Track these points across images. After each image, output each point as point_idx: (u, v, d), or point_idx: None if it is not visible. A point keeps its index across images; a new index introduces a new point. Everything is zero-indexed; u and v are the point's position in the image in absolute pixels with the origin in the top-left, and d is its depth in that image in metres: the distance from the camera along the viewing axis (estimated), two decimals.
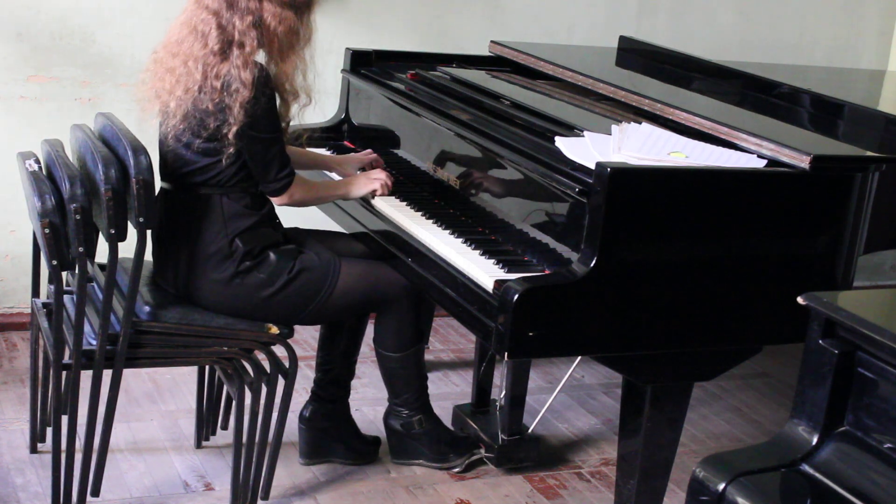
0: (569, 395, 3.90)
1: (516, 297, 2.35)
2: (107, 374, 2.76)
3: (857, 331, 1.92)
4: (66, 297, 2.82)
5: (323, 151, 3.48)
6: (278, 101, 2.84)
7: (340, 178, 3.26)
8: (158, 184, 2.90)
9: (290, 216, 3.20)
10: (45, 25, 3.86)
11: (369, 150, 3.34)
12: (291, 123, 2.96)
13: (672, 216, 2.48)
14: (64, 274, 2.73)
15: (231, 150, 2.76)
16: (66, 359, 2.75)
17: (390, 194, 3.09)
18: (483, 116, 3.03)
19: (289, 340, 2.88)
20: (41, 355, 3.11)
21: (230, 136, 2.73)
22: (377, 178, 3.08)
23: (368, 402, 3.65)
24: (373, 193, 3.07)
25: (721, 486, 1.95)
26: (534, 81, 3.50)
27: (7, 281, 4.03)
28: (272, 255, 2.87)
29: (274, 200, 2.92)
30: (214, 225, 2.83)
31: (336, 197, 3.13)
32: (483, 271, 2.57)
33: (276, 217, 2.98)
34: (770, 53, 4.87)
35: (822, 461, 1.97)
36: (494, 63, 3.76)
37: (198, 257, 2.85)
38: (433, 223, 2.92)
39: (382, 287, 2.99)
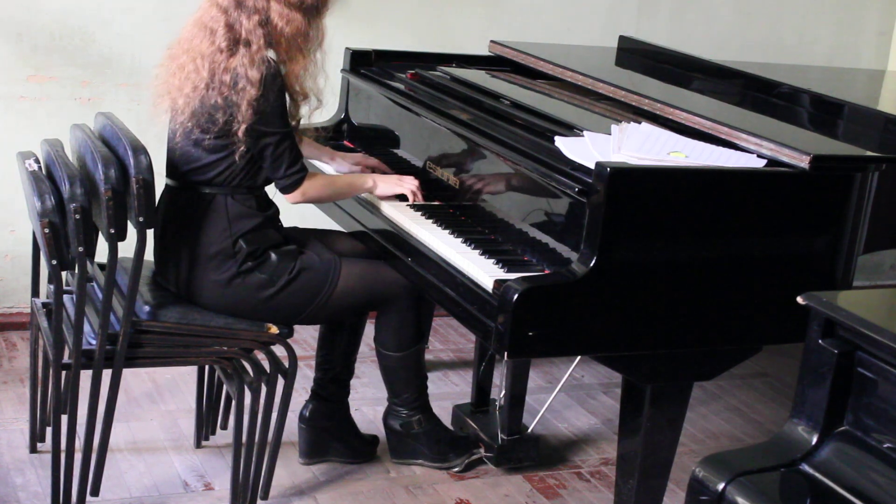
0: (568, 394, 3.90)
1: (516, 296, 2.35)
2: (106, 374, 2.76)
3: (857, 331, 1.92)
4: (65, 297, 2.82)
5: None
6: (288, 100, 2.84)
7: (336, 170, 3.27)
8: (163, 181, 2.91)
9: (291, 216, 3.20)
10: (45, 25, 3.85)
11: (366, 155, 3.32)
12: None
13: (672, 216, 2.48)
14: (64, 274, 2.73)
15: (242, 147, 2.77)
16: (66, 358, 2.75)
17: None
18: (483, 116, 3.03)
19: (289, 340, 2.88)
20: (41, 355, 3.11)
21: (239, 133, 2.74)
22: (410, 185, 3.03)
23: (368, 401, 3.65)
24: (402, 198, 3.03)
25: (721, 486, 1.95)
26: (534, 81, 3.50)
27: (7, 281, 4.02)
28: (273, 256, 2.87)
29: (287, 198, 2.90)
30: (218, 225, 2.83)
31: (358, 192, 3.08)
32: (483, 271, 2.57)
33: (279, 218, 2.98)
34: (770, 53, 4.87)
35: (821, 461, 1.97)
36: (494, 63, 3.75)
37: (200, 257, 2.85)
38: (433, 223, 2.91)
39: (383, 287, 2.99)
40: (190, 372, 3.60)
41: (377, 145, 3.45)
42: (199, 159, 2.82)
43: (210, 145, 2.80)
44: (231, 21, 2.76)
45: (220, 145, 2.79)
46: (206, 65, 2.75)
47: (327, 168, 3.32)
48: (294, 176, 2.86)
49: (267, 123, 2.77)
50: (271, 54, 2.80)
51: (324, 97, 2.94)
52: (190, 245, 2.85)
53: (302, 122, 2.97)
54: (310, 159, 3.29)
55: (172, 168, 2.89)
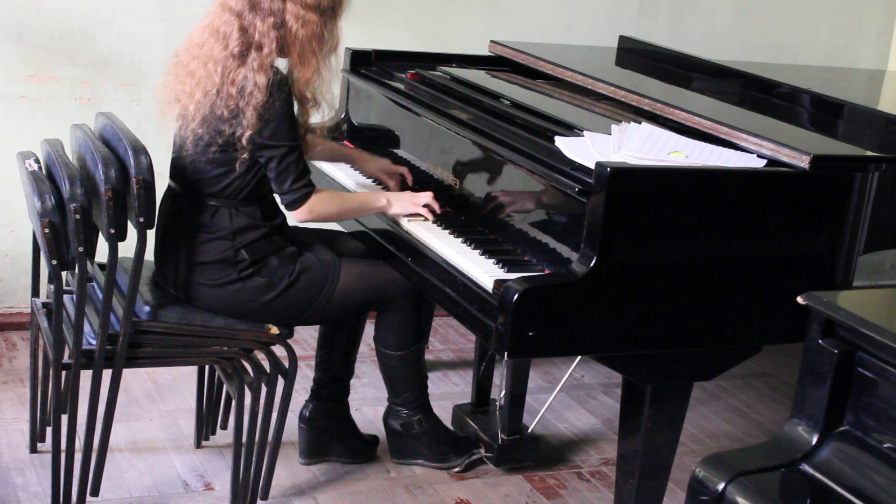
0: (568, 394, 3.90)
1: (516, 296, 2.35)
2: (106, 374, 2.76)
3: (857, 331, 1.92)
4: (65, 297, 2.82)
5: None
6: (297, 108, 2.81)
7: (360, 172, 3.24)
8: (164, 181, 2.89)
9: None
10: (45, 25, 3.86)
11: (391, 163, 3.24)
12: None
13: (672, 216, 2.48)
14: (64, 274, 2.73)
15: (245, 155, 2.73)
16: (66, 358, 2.75)
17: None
18: (483, 116, 3.03)
19: (289, 340, 2.88)
20: (41, 355, 3.11)
21: (243, 140, 2.70)
22: (426, 206, 2.91)
23: (368, 401, 3.65)
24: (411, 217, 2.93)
25: (721, 486, 1.95)
26: (534, 81, 3.50)
27: (7, 281, 4.03)
28: (274, 260, 2.86)
29: (293, 215, 2.84)
30: (221, 237, 2.81)
31: (370, 211, 2.99)
32: (483, 271, 2.57)
33: (286, 224, 2.96)
34: (770, 53, 4.87)
35: (821, 461, 1.97)
36: (494, 63, 3.76)
37: (200, 263, 2.83)
38: (433, 222, 2.91)
39: (383, 286, 2.98)
40: (190, 372, 3.60)
41: (377, 145, 3.44)
42: (208, 172, 2.79)
43: (217, 158, 2.76)
44: (245, 24, 2.71)
45: (226, 159, 2.76)
46: (219, 69, 2.71)
47: (344, 175, 3.30)
48: (300, 191, 2.79)
49: (272, 135, 2.73)
50: (282, 62, 2.77)
51: (335, 104, 2.89)
52: (191, 251, 2.84)
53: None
54: (330, 161, 3.24)
55: (179, 175, 2.86)
